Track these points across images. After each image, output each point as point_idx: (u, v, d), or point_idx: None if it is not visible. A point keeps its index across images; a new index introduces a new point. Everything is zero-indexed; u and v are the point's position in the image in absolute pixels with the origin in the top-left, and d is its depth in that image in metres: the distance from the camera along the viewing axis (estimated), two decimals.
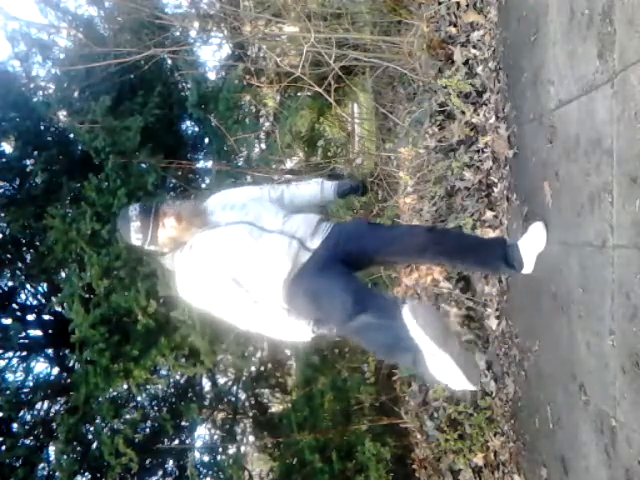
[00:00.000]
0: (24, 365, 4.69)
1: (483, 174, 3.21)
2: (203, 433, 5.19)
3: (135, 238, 2.33)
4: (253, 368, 5.34)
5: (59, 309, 4.61)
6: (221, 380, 5.42)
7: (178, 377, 5.01)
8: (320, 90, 3.76)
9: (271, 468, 4.97)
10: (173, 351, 4.09)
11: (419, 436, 3.69)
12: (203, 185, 5.30)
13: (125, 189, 4.18)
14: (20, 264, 4.84)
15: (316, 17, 4.34)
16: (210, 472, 4.80)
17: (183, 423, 4.76)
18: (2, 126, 4.60)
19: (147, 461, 4.70)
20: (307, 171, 4.99)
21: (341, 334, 2.36)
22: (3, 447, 4.15)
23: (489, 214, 3.15)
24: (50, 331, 4.95)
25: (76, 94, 4.86)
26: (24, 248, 4.83)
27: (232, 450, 4.93)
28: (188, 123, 5.40)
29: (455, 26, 3.42)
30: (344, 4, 4.96)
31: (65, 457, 4.07)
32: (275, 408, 5.60)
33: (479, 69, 3.24)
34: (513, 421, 3.08)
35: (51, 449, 4.38)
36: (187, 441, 4.77)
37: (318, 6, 5.14)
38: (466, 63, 3.31)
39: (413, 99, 4.23)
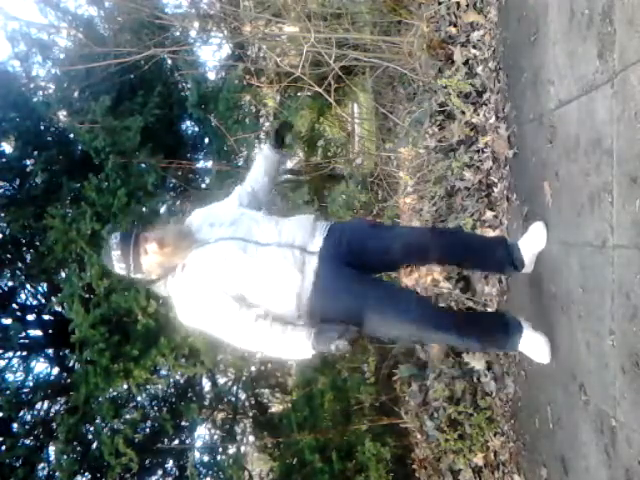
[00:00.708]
0: (24, 365, 4.69)
1: (483, 174, 3.21)
2: (203, 433, 5.19)
3: (118, 267, 2.24)
4: (253, 368, 5.34)
5: (59, 309, 4.60)
6: (221, 380, 5.41)
7: (178, 377, 5.01)
8: (320, 90, 3.76)
9: (271, 468, 4.97)
10: (173, 351, 4.08)
11: (419, 436, 3.69)
12: (203, 185, 5.31)
13: (125, 189, 4.18)
14: (20, 264, 4.84)
15: (316, 17, 4.34)
16: (210, 472, 4.79)
17: (183, 423, 4.75)
18: (2, 126, 4.60)
19: (147, 461, 4.70)
20: (307, 171, 4.99)
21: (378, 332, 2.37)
22: (3, 447, 4.14)
23: (489, 214, 3.15)
24: (50, 331, 4.95)
25: (76, 94, 4.86)
26: (24, 248, 4.83)
27: (232, 450, 4.92)
28: (188, 123, 5.40)
29: (455, 26, 3.42)
30: (344, 4, 4.96)
31: (65, 457, 4.07)
32: (275, 408, 5.60)
33: (479, 69, 3.24)
34: (513, 421, 3.08)
35: (51, 449, 4.38)
36: (187, 441, 4.77)
37: (318, 6, 5.14)
38: (466, 63, 3.31)
39: (413, 99, 4.23)
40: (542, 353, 2.32)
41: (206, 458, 4.89)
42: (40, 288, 5.04)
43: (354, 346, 2.24)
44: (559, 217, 2.25)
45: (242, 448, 5.09)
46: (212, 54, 6.49)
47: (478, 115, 3.21)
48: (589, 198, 1.94)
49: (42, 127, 4.76)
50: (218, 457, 4.86)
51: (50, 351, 4.91)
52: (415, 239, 2.37)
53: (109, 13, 5.34)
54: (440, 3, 3.51)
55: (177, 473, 4.89)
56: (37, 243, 4.73)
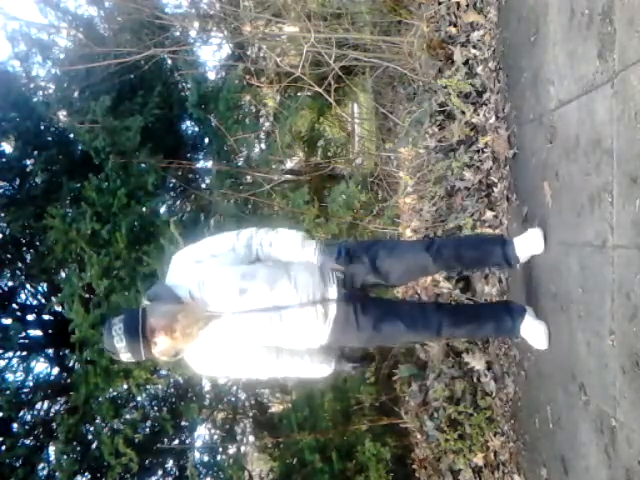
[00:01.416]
0: (24, 365, 4.68)
1: (483, 174, 3.21)
2: (203, 433, 5.19)
3: (126, 358, 2.11)
4: None
5: (59, 309, 4.60)
6: (221, 380, 5.41)
7: (178, 377, 5.01)
8: (320, 90, 3.76)
9: (271, 468, 4.97)
10: None
11: (419, 436, 3.69)
12: (203, 185, 5.31)
13: (125, 189, 4.18)
14: (20, 264, 4.85)
15: (316, 17, 4.34)
16: (210, 472, 4.79)
17: (183, 423, 4.75)
18: (2, 126, 4.60)
19: (147, 461, 4.69)
20: (307, 171, 4.99)
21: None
22: (3, 447, 4.15)
23: (489, 214, 3.15)
24: (50, 331, 4.95)
25: (76, 94, 4.86)
26: (24, 248, 4.83)
27: (232, 450, 4.92)
28: (188, 123, 5.40)
29: (455, 26, 3.42)
30: (344, 4, 4.96)
31: (65, 457, 4.07)
32: (275, 408, 5.59)
33: (479, 69, 3.24)
34: (513, 421, 3.08)
35: (51, 449, 4.38)
36: (187, 441, 4.77)
37: (318, 6, 5.14)
38: (466, 63, 3.31)
39: (413, 99, 4.23)
40: (540, 340, 2.39)
41: (206, 458, 4.89)
42: (40, 288, 5.04)
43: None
44: (559, 217, 2.24)
45: (242, 448, 5.08)
46: (212, 54, 6.50)
47: (478, 115, 3.21)
48: (589, 198, 1.94)
49: (42, 127, 4.76)
50: (218, 457, 4.86)
51: (50, 351, 4.91)
52: (413, 263, 2.40)
53: (109, 13, 5.34)
54: (440, 3, 3.51)
55: (177, 473, 4.89)
56: (37, 243, 4.73)
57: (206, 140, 5.30)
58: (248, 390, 5.37)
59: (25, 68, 4.87)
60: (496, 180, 3.11)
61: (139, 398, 4.79)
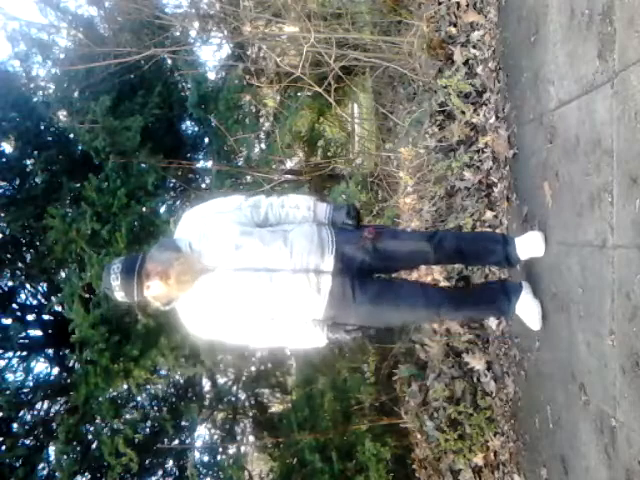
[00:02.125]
0: (24, 365, 4.68)
1: (483, 174, 3.21)
2: (203, 433, 5.19)
3: (120, 297, 2.18)
4: (253, 368, 5.33)
5: (59, 309, 4.60)
6: (221, 380, 5.41)
7: (178, 377, 5.01)
8: (320, 90, 3.76)
9: (271, 468, 4.96)
10: (173, 351, 4.08)
11: (419, 436, 3.69)
12: (203, 185, 5.31)
13: (125, 189, 4.18)
14: (20, 264, 4.84)
15: (316, 17, 4.34)
16: (210, 472, 4.79)
17: (183, 423, 4.75)
18: (2, 126, 4.60)
19: (147, 461, 4.69)
20: (307, 171, 4.99)
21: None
22: (3, 447, 4.14)
23: (489, 214, 3.15)
24: (50, 331, 4.95)
25: (76, 94, 4.86)
26: (24, 248, 4.83)
27: (232, 450, 4.92)
28: (188, 123, 5.40)
29: (455, 26, 3.43)
30: (344, 4, 4.96)
31: (65, 457, 4.07)
32: (275, 408, 5.59)
33: (479, 69, 3.25)
34: (513, 421, 3.08)
35: (51, 449, 4.37)
36: (187, 441, 4.76)
37: (318, 6, 5.14)
38: (466, 63, 3.32)
39: (413, 99, 4.23)
40: (534, 319, 2.41)
41: (206, 458, 4.89)
42: (40, 288, 5.04)
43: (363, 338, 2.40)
44: (559, 217, 2.25)
45: (242, 448, 5.08)
46: (212, 54, 6.50)
47: (478, 115, 3.21)
48: (589, 198, 1.94)
49: (42, 127, 4.76)
50: (218, 457, 4.86)
51: (50, 351, 4.91)
52: (415, 248, 2.39)
53: (109, 13, 5.34)
54: (440, 3, 3.51)
55: (177, 473, 4.89)
56: (37, 243, 4.73)
57: (206, 140, 5.30)
58: (248, 390, 5.37)
59: (25, 68, 4.87)
60: (496, 180, 3.11)
61: (139, 398, 4.79)
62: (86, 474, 4.41)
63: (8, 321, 4.67)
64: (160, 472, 4.90)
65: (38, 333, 4.96)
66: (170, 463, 4.95)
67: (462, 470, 3.31)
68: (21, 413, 4.42)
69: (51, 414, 4.63)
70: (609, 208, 1.79)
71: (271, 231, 2.27)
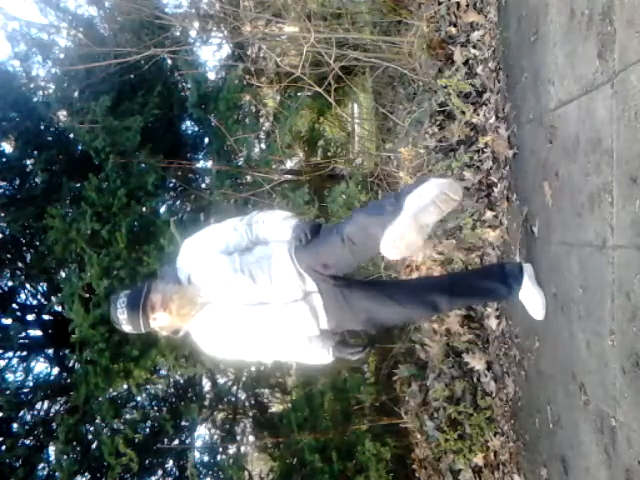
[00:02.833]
0: (24, 365, 4.68)
1: (483, 174, 3.21)
2: (203, 433, 5.19)
3: (128, 330, 2.29)
4: (253, 368, 5.33)
5: (59, 309, 4.60)
6: (221, 380, 5.41)
7: (178, 377, 5.01)
8: (320, 90, 3.76)
9: (271, 468, 4.96)
10: (173, 351, 4.07)
11: (419, 436, 3.69)
12: (203, 185, 5.31)
13: (125, 189, 4.17)
14: (20, 264, 4.84)
15: (316, 17, 4.34)
16: (210, 472, 4.79)
17: (183, 423, 4.75)
18: (2, 126, 4.59)
19: (147, 461, 4.69)
20: (307, 171, 4.99)
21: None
22: (3, 447, 4.14)
23: (489, 214, 3.15)
24: (50, 331, 4.94)
25: (76, 94, 4.86)
26: (24, 248, 4.83)
27: (232, 450, 4.92)
28: (188, 123, 5.40)
29: (455, 26, 3.42)
30: (344, 4, 4.96)
31: (65, 457, 4.06)
32: (275, 408, 5.59)
33: (479, 69, 3.24)
34: (513, 421, 3.08)
35: (51, 449, 4.37)
36: (187, 441, 4.76)
37: (318, 6, 5.13)
38: (466, 63, 3.31)
39: (413, 99, 4.22)
40: (538, 309, 2.39)
41: (206, 458, 4.88)
42: (40, 288, 5.03)
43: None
44: (559, 217, 2.25)
45: (242, 448, 5.08)
46: (212, 54, 6.51)
47: (478, 115, 3.21)
48: (589, 198, 1.94)
49: (42, 127, 4.75)
50: (218, 457, 4.85)
51: (50, 351, 4.90)
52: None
53: (109, 13, 5.34)
54: (440, 3, 3.51)
55: (177, 473, 4.88)
56: (37, 243, 4.72)
57: (206, 140, 5.30)
58: (248, 390, 5.37)
59: (25, 68, 4.87)
60: (496, 180, 3.11)
61: (139, 398, 4.79)
62: (86, 474, 4.40)
63: (8, 321, 4.66)
64: (160, 472, 4.89)
65: (38, 333, 4.96)
66: (170, 463, 4.94)
67: (462, 470, 3.31)
68: (21, 413, 4.41)
69: (51, 414, 4.62)
70: (609, 208, 1.79)
71: (258, 261, 2.28)
